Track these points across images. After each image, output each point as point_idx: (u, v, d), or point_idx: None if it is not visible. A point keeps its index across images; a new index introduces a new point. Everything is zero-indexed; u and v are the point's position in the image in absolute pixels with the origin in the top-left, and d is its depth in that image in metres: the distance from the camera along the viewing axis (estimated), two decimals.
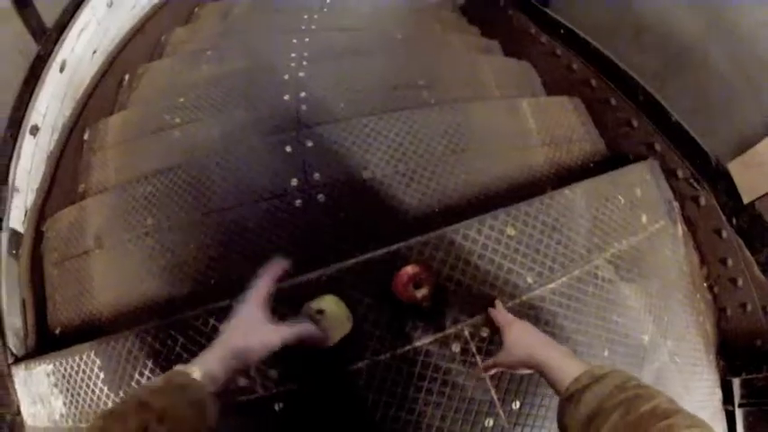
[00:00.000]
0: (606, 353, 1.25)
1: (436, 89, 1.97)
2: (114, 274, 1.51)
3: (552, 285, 1.25)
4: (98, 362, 1.23)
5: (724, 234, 1.46)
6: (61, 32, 1.84)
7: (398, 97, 1.90)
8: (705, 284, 1.56)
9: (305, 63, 2.04)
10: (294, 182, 1.51)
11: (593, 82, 1.87)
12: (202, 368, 0.74)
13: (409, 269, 1.13)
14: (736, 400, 1.42)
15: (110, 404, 1.22)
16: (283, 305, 1.10)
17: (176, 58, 2.38)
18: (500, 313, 1.11)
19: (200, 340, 1.16)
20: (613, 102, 1.78)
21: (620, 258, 1.37)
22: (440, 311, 1.18)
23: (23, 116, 1.63)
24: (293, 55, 2.11)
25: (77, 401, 1.26)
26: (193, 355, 0.79)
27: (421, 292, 1.12)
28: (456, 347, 1.15)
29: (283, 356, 1.09)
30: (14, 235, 1.54)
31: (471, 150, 1.66)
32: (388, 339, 1.14)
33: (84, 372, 1.25)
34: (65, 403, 1.28)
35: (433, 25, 2.70)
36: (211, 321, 1.16)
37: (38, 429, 1.34)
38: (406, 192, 1.55)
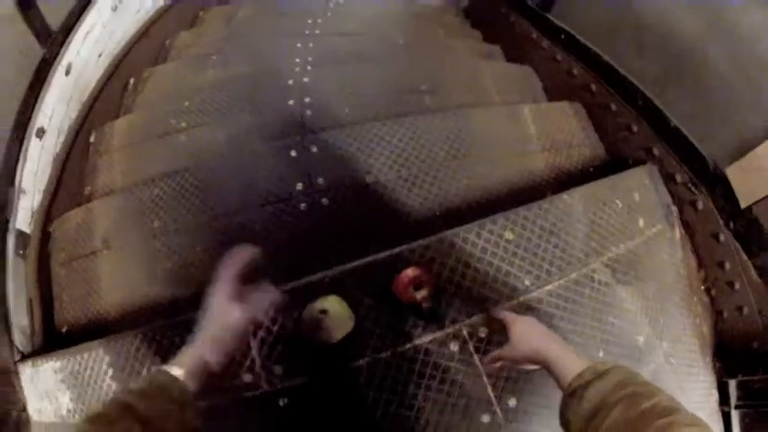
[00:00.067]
0: (601, 353, 1.30)
1: (438, 94, 2.04)
2: (121, 274, 1.57)
3: (549, 288, 1.31)
4: (107, 359, 1.29)
5: (721, 238, 1.50)
6: (67, 35, 1.88)
7: (401, 103, 1.96)
8: (702, 287, 1.60)
9: (309, 68, 2.11)
10: (299, 186, 1.56)
11: (594, 87, 1.92)
12: (182, 366, 0.74)
13: (410, 271, 1.20)
14: (733, 401, 1.45)
15: None
16: (289, 306, 1.18)
17: (181, 61, 2.45)
18: (504, 311, 1.14)
19: None
20: (613, 107, 1.83)
21: (617, 262, 1.43)
22: (439, 312, 1.24)
23: (29, 119, 1.67)
24: (297, 60, 2.18)
25: (85, 397, 1.31)
26: None
27: (421, 294, 1.19)
28: (454, 346, 1.21)
29: (288, 353, 1.17)
30: (21, 236, 1.59)
31: (472, 156, 1.72)
32: (389, 338, 1.20)
33: (92, 368, 1.31)
34: (72, 399, 1.33)
35: (435, 30, 2.76)
36: None
37: (43, 425, 1.38)
38: (409, 196, 1.61)
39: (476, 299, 1.26)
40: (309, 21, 2.62)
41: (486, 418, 1.18)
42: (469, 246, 1.31)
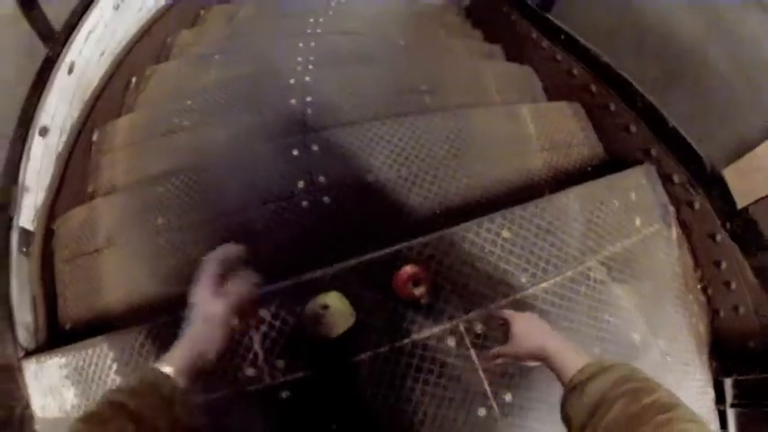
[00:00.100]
0: (597, 350, 1.35)
1: (438, 94, 2.08)
2: (125, 271, 1.61)
3: (545, 285, 1.36)
4: (111, 354, 1.33)
5: (718, 238, 1.53)
6: (69, 34, 1.91)
7: (402, 102, 2.00)
8: (699, 286, 1.63)
9: (310, 67, 2.15)
10: (301, 184, 1.61)
11: (593, 87, 1.96)
12: (172, 363, 0.75)
13: (408, 268, 1.26)
14: (728, 400, 1.48)
15: None
16: (292, 301, 1.23)
17: (183, 60, 2.49)
18: (505, 309, 1.17)
19: None
20: (612, 107, 1.87)
21: (613, 260, 1.47)
22: (437, 308, 1.29)
23: (33, 117, 1.69)
24: (299, 59, 2.22)
25: (89, 393, 1.35)
26: None
27: (419, 290, 1.25)
28: (452, 342, 1.26)
29: (290, 348, 1.21)
30: (25, 233, 1.61)
31: (472, 155, 1.76)
32: (388, 333, 1.26)
33: (96, 364, 1.34)
34: (76, 394, 1.36)
35: (436, 29, 2.80)
36: None
37: (48, 420, 1.40)
38: (409, 195, 1.65)
39: (473, 295, 1.31)
40: (311, 20, 2.66)
41: (482, 412, 1.23)
42: (467, 244, 1.36)
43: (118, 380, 1.33)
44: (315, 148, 1.68)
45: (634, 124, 1.78)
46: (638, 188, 1.64)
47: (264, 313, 1.25)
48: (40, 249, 1.68)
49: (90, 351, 1.36)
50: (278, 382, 1.22)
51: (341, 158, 1.68)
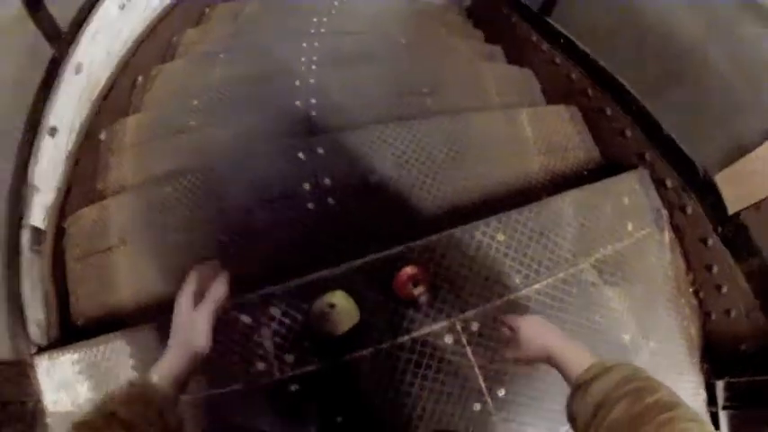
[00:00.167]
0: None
1: (439, 95, 2.17)
2: (137, 269, 1.68)
3: (537, 286, 1.46)
4: (127, 350, 1.41)
5: (710, 242, 1.58)
6: (76, 34, 1.96)
7: (403, 104, 2.09)
8: (691, 290, 1.70)
9: (314, 68, 2.24)
10: (306, 186, 1.69)
11: (590, 92, 2.03)
12: (160, 372, 0.81)
13: (408, 269, 1.37)
14: (720, 402, 1.54)
15: None
16: (300, 299, 1.34)
17: (188, 59, 2.56)
18: (509, 315, 1.21)
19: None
20: (609, 112, 1.94)
21: (605, 263, 1.56)
22: (435, 307, 1.41)
23: (41, 117, 1.74)
24: (303, 59, 2.31)
25: (103, 387, 1.42)
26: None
27: (418, 290, 1.36)
28: (449, 339, 1.38)
29: (299, 344, 1.31)
30: (36, 232, 1.66)
31: (471, 158, 1.85)
32: (390, 330, 1.37)
33: (110, 359, 1.42)
34: (90, 389, 1.43)
35: (437, 28, 2.86)
36: (232, 314, 1.36)
37: (60, 414, 1.46)
38: (409, 197, 1.74)
39: (469, 295, 1.42)
40: (315, 19, 2.72)
41: (477, 407, 1.34)
42: (464, 246, 1.47)
43: (132, 375, 1.39)
44: (320, 150, 1.76)
45: (629, 129, 1.84)
46: (631, 193, 1.72)
47: (274, 311, 1.35)
48: (51, 248, 1.73)
49: (103, 347, 1.43)
50: (287, 376, 1.32)
51: (345, 161, 1.75)
